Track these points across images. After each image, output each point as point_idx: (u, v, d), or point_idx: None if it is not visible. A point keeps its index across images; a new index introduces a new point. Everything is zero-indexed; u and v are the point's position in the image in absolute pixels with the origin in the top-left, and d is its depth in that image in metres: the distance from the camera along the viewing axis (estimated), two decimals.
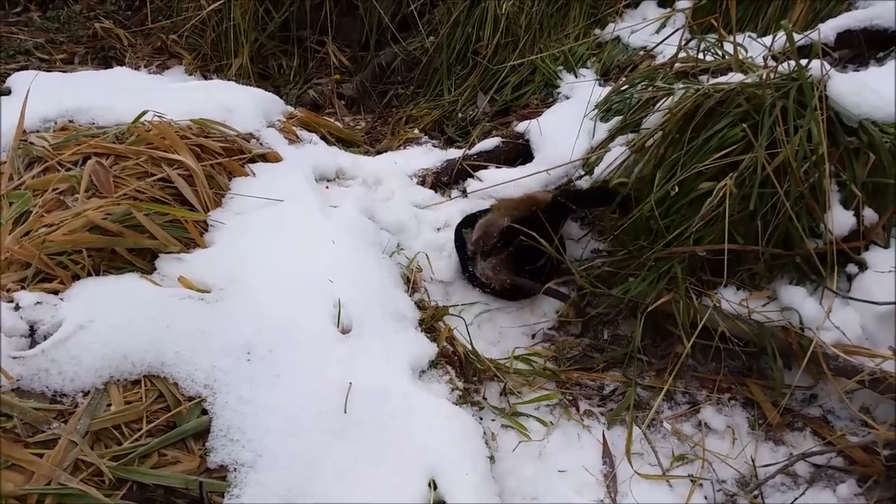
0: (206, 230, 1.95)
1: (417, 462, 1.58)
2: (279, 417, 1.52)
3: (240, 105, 2.55)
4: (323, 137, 2.93)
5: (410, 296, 2.12)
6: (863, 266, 2.05)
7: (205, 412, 1.52)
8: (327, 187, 2.52)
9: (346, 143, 3.16)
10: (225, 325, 1.64)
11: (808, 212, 2.08)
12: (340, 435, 1.56)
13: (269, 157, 2.39)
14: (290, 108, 2.97)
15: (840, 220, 2.06)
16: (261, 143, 2.45)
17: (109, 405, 1.47)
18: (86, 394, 1.47)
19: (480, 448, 1.72)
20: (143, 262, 1.79)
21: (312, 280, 1.86)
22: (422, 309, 2.11)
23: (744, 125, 2.12)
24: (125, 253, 1.77)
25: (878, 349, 1.91)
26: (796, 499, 1.77)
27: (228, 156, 2.25)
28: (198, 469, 1.45)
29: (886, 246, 2.07)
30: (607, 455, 1.94)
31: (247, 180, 2.20)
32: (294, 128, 2.76)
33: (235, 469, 1.45)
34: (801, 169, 2.04)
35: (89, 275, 1.69)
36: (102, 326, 1.54)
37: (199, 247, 1.89)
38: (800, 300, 2.04)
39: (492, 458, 1.81)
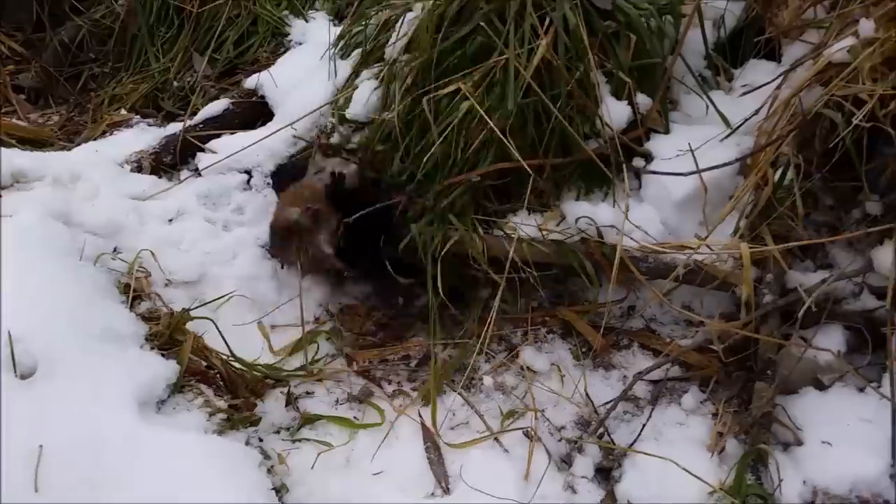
0: None
1: None
2: None
3: None
4: None
5: (132, 307, 1.58)
6: (648, 157, 1.90)
7: None
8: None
9: (33, 144, 2.46)
10: None
11: (580, 111, 1.87)
12: None
13: None
14: None
15: (615, 111, 1.88)
16: None
17: None
18: None
19: (257, 481, 1.27)
20: None
21: None
22: (151, 320, 1.57)
23: (486, 27, 1.85)
24: None
25: (685, 240, 1.75)
26: (644, 425, 1.54)
27: None
28: None
29: (667, 131, 1.93)
30: (429, 437, 1.58)
31: None
32: None
33: None
34: (563, 65, 1.82)
35: None
36: None
37: None
38: (592, 209, 1.82)
39: (282, 488, 1.37)
